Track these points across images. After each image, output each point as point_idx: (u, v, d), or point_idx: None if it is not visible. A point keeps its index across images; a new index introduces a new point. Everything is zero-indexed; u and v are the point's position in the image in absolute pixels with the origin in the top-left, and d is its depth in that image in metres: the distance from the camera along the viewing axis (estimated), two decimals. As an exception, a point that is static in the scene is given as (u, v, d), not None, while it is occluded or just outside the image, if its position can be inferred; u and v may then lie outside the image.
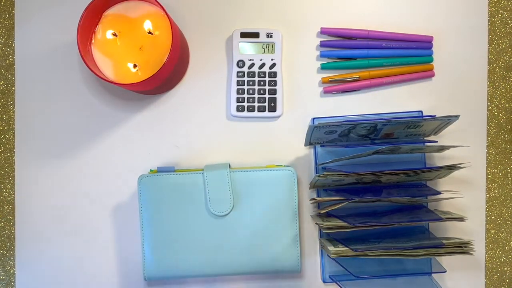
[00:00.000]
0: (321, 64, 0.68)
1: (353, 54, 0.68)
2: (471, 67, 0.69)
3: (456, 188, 0.67)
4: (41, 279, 0.68)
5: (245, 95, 0.67)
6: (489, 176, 0.69)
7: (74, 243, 0.68)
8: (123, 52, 0.62)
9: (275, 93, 0.67)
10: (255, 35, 0.67)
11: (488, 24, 0.69)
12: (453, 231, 0.68)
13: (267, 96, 0.67)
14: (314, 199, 0.63)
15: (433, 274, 0.66)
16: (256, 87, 0.67)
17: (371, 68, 0.68)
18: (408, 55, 0.68)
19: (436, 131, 0.62)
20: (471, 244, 0.59)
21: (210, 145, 0.68)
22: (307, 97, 0.68)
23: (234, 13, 0.69)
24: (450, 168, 0.60)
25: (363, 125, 0.59)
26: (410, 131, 0.61)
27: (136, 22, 0.63)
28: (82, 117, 0.69)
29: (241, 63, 0.67)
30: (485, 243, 0.69)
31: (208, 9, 0.69)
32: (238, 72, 0.67)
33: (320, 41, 0.69)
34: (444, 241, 0.60)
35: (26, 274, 0.68)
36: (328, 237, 0.65)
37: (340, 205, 0.60)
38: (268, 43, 0.67)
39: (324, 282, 0.67)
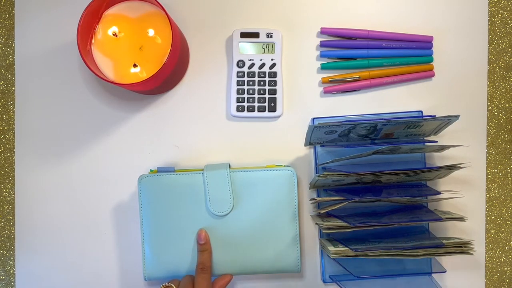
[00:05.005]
0: (321, 64, 0.68)
1: (353, 54, 0.68)
2: (471, 67, 0.69)
3: (456, 188, 0.67)
4: (41, 279, 0.68)
5: (245, 95, 0.67)
6: (489, 176, 0.69)
7: (74, 243, 0.68)
8: (123, 52, 0.62)
9: (275, 93, 0.67)
10: (255, 35, 0.67)
11: (488, 24, 0.69)
12: (453, 231, 0.68)
13: (267, 96, 0.67)
14: (314, 199, 0.63)
15: (433, 274, 0.66)
16: (256, 87, 0.67)
17: (371, 68, 0.68)
18: (408, 55, 0.68)
19: (436, 131, 0.62)
20: (471, 244, 0.59)
21: (210, 145, 0.68)
22: (307, 97, 0.68)
23: (234, 13, 0.69)
24: (450, 168, 0.60)
25: (363, 125, 0.59)
26: (410, 131, 0.61)
27: (136, 22, 0.63)
28: (82, 117, 0.69)
29: (241, 63, 0.67)
30: (485, 243, 0.69)
31: (208, 9, 0.69)
32: (238, 72, 0.67)
33: (320, 41, 0.69)
34: (444, 241, 0.60)
35: (26, 274, 0.68)
36: (328, 237, 0.65)
37: (340, 205, 0.60)
38: (268, 43, 0.67)
39: (324, 282, 0.67)
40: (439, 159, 0.68)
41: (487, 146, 0.69)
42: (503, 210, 0.69)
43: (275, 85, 0.67)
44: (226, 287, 0.62)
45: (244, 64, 0.67)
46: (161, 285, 0.60)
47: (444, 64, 0.69)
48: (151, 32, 0.62)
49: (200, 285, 0.59)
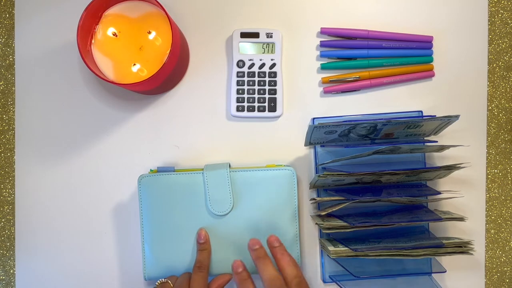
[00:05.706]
0: (321, 64, 0.68)
1: (353, 54, 0.68)
2: (471, 67, 0.69)
3: (456, 188, 0.68)
4: (41, 279, 0.68)
5: (245, 95, 0.67)
6: (489, 176, 0.69)
7: (74, 243, 0.68)
8: (123, 52, 0.62)
9: (275, 93, 0.67)
10: (255, 35, 0.67)
11: (488, 24, 0.69)
12: (453, 231, 0.68)
13: (267, 96, 0.67)
14: (314, 199, 0.63)
15: (433, 274, 0.66)
16: (256, 87, 0.67)
17: (371, 68, 0.68)
18: (408, 55, 0.68)
19: (436, 131, 0.62)
20: (471, 244, 0.59)
21: (210, 145, 0.68)
22: (307, 97, 0.68)
23: (234, 13, 0.69)
24: (450, 168, 0.60)
25: (363, 125, 0.59)
26: (410, 131, 0.61)
27: (136, 22, 0.63)
28: (82, 117, 0.69)
29: (241, 63, 0.67)
30: (485, 243, 0.69)
31: (208, 9, 0.69)
32: (238, 72, 0.67)
33: (320, 41, 0.69)
34: (444, 241, 0.60)
35: (26, 274, 0.68)
36: (328, 237, 0.66)
37: (341, 206, 0.60)
38: (268, 43, 0.67)
39: (324, 282, 0.67)
40: (439, 159, 0.68)
41: (487, 146, 0.69)
42: (503, 210, 0.69)
43: (275, 85, 0.67)
44: (224, 286, 0.62)
45: (244, 64, 0.67)
46: (158, 281, 0.60)
47: (444, 64, 0.69)
48: (151, 33, 0.62)
49: (196, 282, 0.59)
